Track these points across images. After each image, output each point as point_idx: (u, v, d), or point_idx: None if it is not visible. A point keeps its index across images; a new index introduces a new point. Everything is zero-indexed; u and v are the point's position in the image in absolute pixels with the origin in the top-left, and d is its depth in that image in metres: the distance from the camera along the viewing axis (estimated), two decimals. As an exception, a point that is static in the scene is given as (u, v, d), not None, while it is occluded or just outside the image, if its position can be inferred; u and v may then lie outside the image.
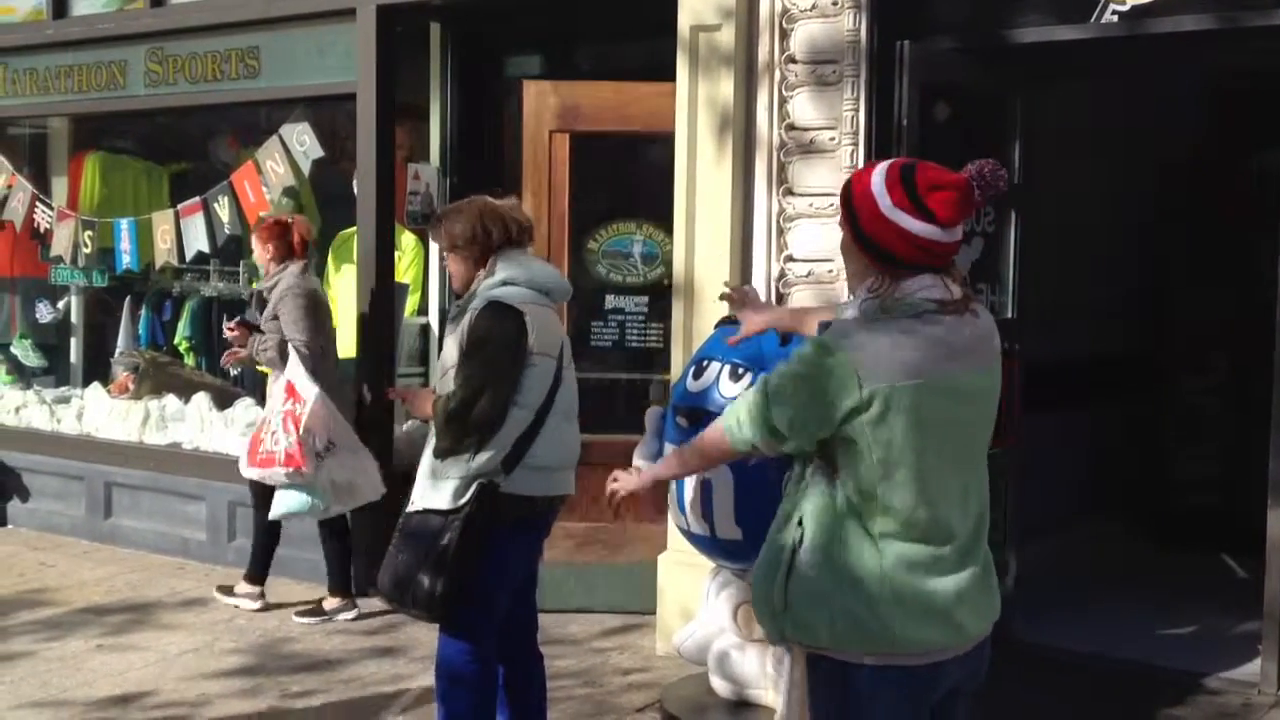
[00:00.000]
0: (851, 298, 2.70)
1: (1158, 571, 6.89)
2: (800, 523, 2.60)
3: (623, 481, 3.16)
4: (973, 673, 2.72)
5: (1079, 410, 6.84)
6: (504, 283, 3.99)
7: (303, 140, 6.79)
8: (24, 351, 8.47)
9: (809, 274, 5.37)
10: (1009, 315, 5.65)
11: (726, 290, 3.53)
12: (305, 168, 6.88)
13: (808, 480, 2.63)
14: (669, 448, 4.69)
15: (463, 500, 3.90)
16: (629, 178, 6.36)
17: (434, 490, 3.96)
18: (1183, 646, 5.77)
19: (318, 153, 6.80)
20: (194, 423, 7.44)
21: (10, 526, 8.09)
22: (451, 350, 4.01)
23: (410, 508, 4.05)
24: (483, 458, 3.90)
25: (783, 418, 2.57)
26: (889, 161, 2.57)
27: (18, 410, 8.29)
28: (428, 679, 4.62)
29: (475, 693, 4.01)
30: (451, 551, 3.86)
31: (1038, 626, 5.70)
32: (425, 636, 5.30)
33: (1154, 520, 7.61)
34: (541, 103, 6.08)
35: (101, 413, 7.90)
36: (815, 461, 2.61)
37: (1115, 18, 4.84)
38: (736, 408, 2.70)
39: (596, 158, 6.23)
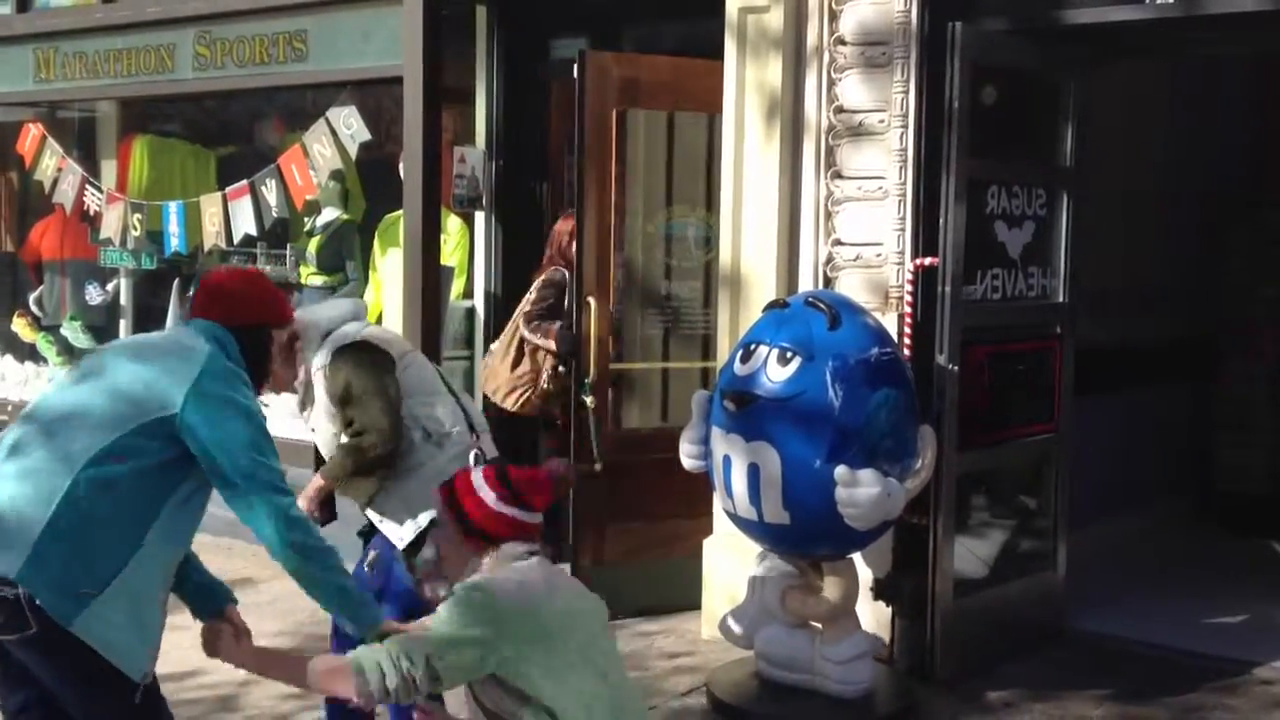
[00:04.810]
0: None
1: (1208, 559, 6.83)
2: None
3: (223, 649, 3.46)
4: None
5: (1133, 396, 6.77)
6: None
7: (349, 123, 6.79)
8: (74, 333, 8.54)
9: (857, 258, 5.33)
10: (1060, 299, 5.58)
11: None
12: (352, 151, 6.88)
13: None
14: (716, 432, 4.68)
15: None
16: (684, 159, 6.29)
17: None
18: (1233, 635, 5.71)
19: (364, 136, 6.80)
20: (241, 404, 7.47)
21: (60, 506, 8.16)
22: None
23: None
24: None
25: None
26: (481, 467, 3.20)
27: (68, 391, 8.37)
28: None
29: None
30: None
31: (1088, 614, 5.66)
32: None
33: (1205, 508, 7.56)
34: (605, 77, 5.82)
35: (150, 394, 7.95)
36: None
37: (1172, -2, 4.76)
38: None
39: (652, 138, 6.09)
